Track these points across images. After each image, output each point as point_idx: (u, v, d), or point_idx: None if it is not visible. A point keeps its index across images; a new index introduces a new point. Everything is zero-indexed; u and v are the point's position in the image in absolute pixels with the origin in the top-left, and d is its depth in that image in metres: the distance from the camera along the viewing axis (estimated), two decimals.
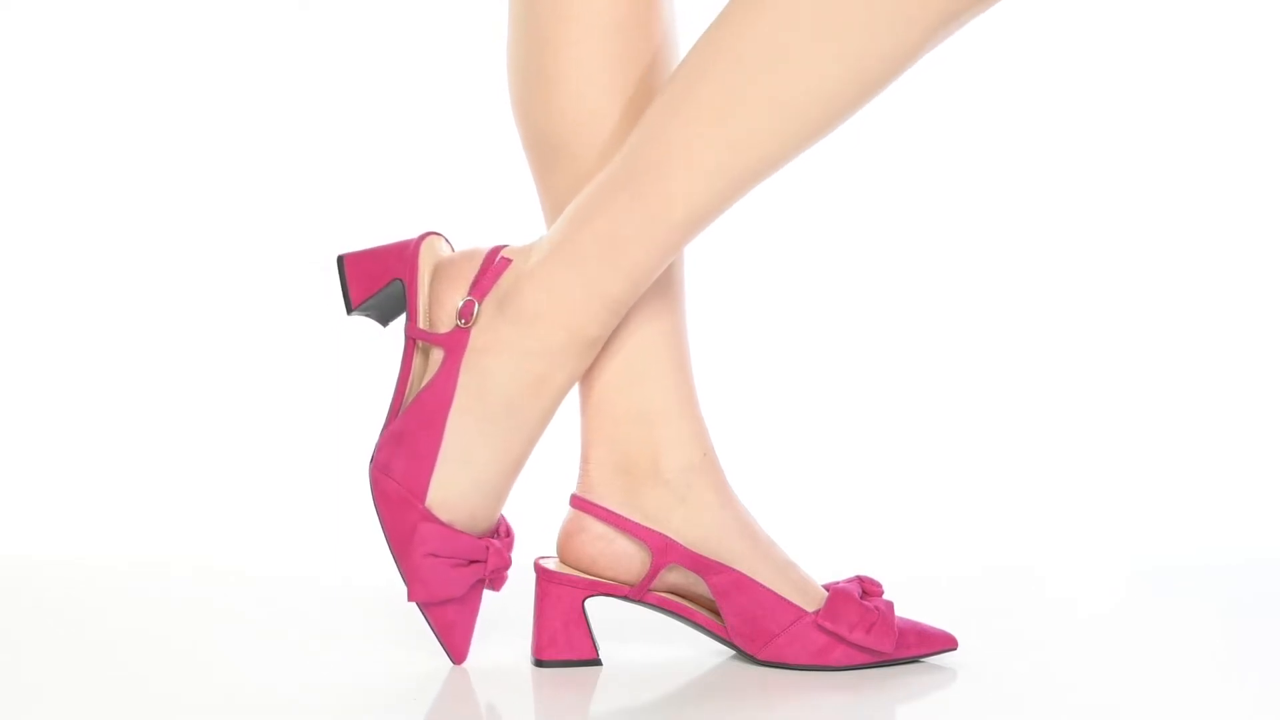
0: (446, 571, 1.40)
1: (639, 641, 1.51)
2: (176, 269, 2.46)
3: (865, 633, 1.41)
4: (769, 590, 1.42)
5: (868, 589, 1.45)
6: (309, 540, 1.95)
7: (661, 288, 1.46)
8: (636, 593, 1.43)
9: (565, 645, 1.43)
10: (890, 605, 1.43)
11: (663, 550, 1.42)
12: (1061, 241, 2.47)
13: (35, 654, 1.48)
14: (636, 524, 1.43)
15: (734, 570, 1.42)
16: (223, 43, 2.50)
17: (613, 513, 1.44)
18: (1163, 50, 2.50)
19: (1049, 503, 2.11)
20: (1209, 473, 2.23)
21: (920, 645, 1.44)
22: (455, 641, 1.42)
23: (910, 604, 1.52)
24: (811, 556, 1.51)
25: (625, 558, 1.44)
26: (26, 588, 1.73)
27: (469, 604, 1.43)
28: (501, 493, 1.43)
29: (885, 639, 1.41)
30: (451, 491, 1.40)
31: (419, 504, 1.39)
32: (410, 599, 1.39)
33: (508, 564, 1.44)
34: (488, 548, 1.41)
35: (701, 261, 1.65)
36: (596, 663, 1.44)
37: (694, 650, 1.49)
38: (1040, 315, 2.43)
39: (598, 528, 1.45)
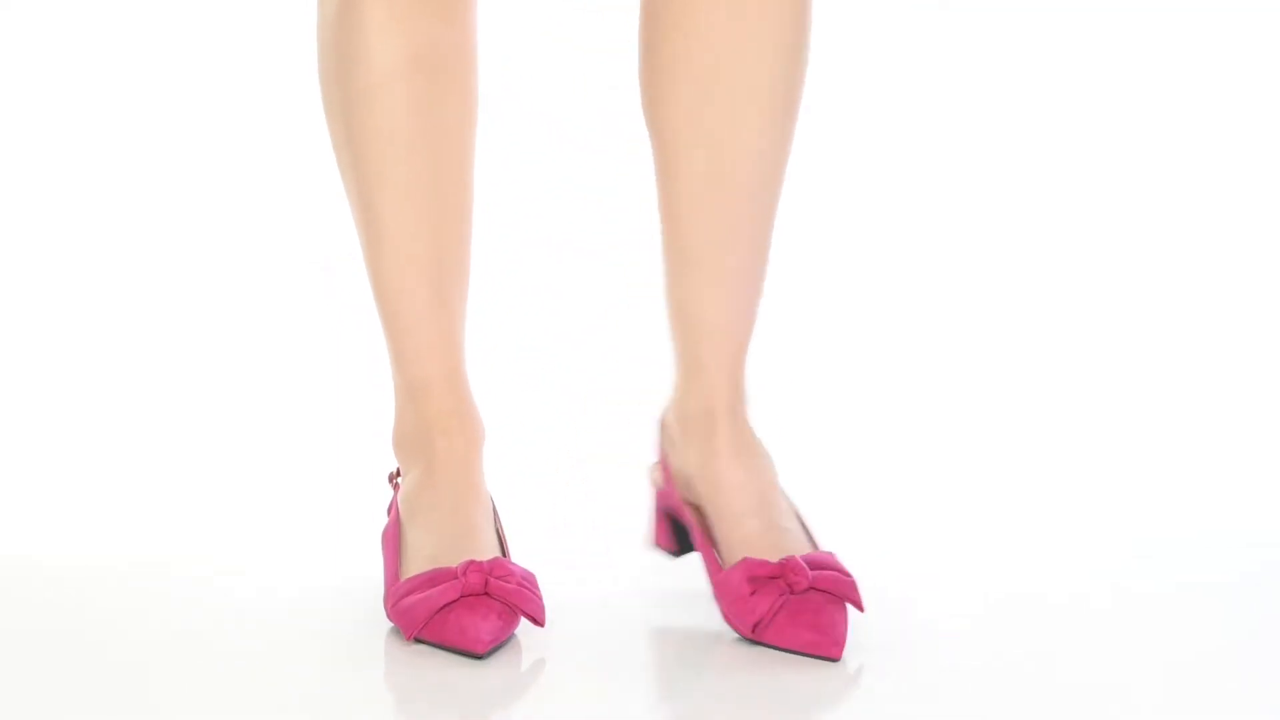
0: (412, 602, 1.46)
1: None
2: (176, 269, 2.46)
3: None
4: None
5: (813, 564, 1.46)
6: (309, 540, 1.95)
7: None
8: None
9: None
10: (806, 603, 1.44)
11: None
12: (1063, 240, 2.47)
13: (35, 654, 1.48)
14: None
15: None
16: (223, 43, 2.50)
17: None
18: (1163, 50, 2.50)
19: (1050, 501, 2.11)
20: (1214, 469, 2.23)
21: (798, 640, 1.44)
22: (467, 639, 1.43)
23: (910, 598, 1.52)
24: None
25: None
26: (26, 588, 1.73)
27: (463, 608, 1.44)
28: None
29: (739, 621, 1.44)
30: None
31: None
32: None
33: (490, 572, 1.46)
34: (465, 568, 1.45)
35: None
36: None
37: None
38: (1041, 314, 2.43)
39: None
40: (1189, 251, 2.49)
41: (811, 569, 1.45)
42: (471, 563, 1.46)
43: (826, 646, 1.42)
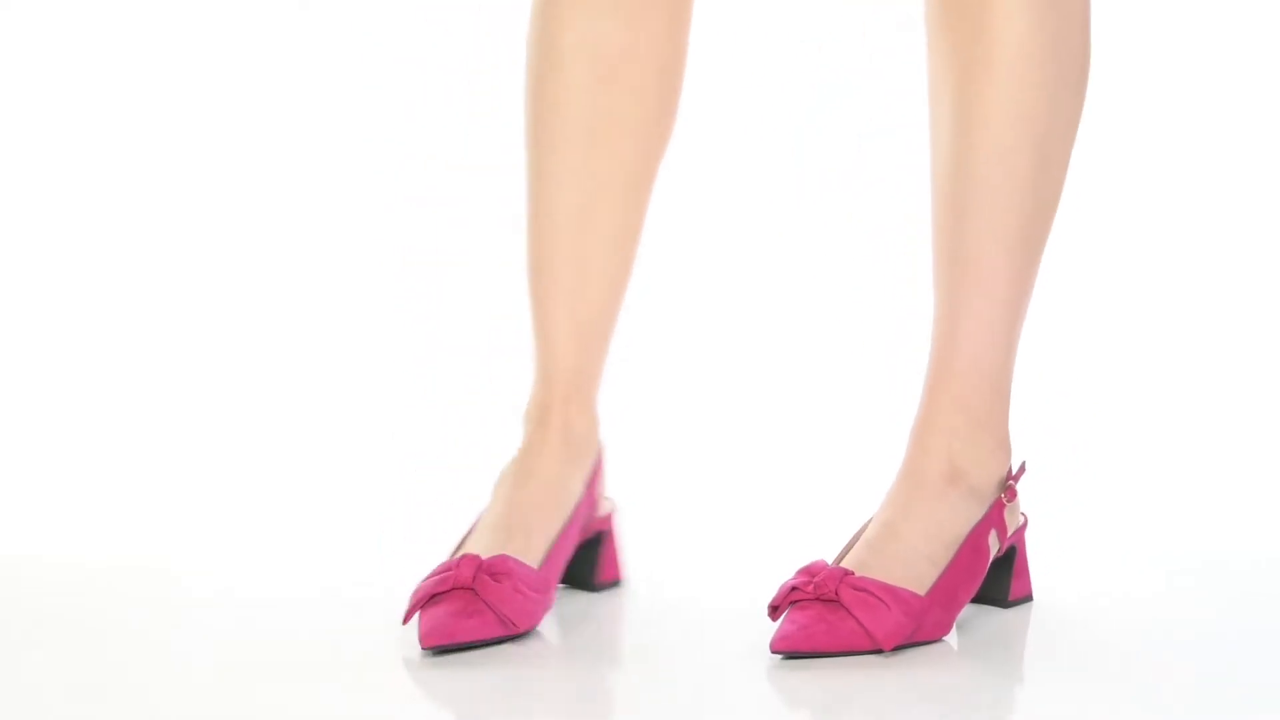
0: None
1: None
2: (176, 270, 2.46)
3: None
4: None
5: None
6: (309, 540, 1.95)
7: None
8: None
9: None
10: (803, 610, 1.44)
11: None
12: (1068, 242, 2.47)
13: (33, 654, 1.47)
14: None
15: None
16: (223, 43, 2.50)
17: None
18: (1163, 50, 2.50)
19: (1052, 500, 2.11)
20: (1223, 472, 2.23)
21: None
22: (421, 632, 1.44)
23: None
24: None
25: None
26: (26, 588, 1.73)
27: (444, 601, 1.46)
28: None
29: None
30: None
31: None
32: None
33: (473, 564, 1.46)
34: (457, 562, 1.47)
35: (709, 262, 1.65)
36: None
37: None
38: (1045, 315, 2.43)
39: None
40: (1189, 251, 2.49)
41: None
42: (465, 556, 1.46)
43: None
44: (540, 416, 1.60)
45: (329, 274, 2.51)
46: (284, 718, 1.31)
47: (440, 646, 1.42)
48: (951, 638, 1.50)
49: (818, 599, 1.44)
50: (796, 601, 1.45)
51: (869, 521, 1.53)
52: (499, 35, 2.52)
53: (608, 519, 1.62)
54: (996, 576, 1.58)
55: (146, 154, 2.49)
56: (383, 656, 1.47)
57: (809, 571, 1.46)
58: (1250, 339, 2.46)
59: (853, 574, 1.45)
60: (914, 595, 1.45)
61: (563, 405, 1.60)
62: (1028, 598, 1.61)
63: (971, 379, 1.53)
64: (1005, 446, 1.55)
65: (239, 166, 2.51)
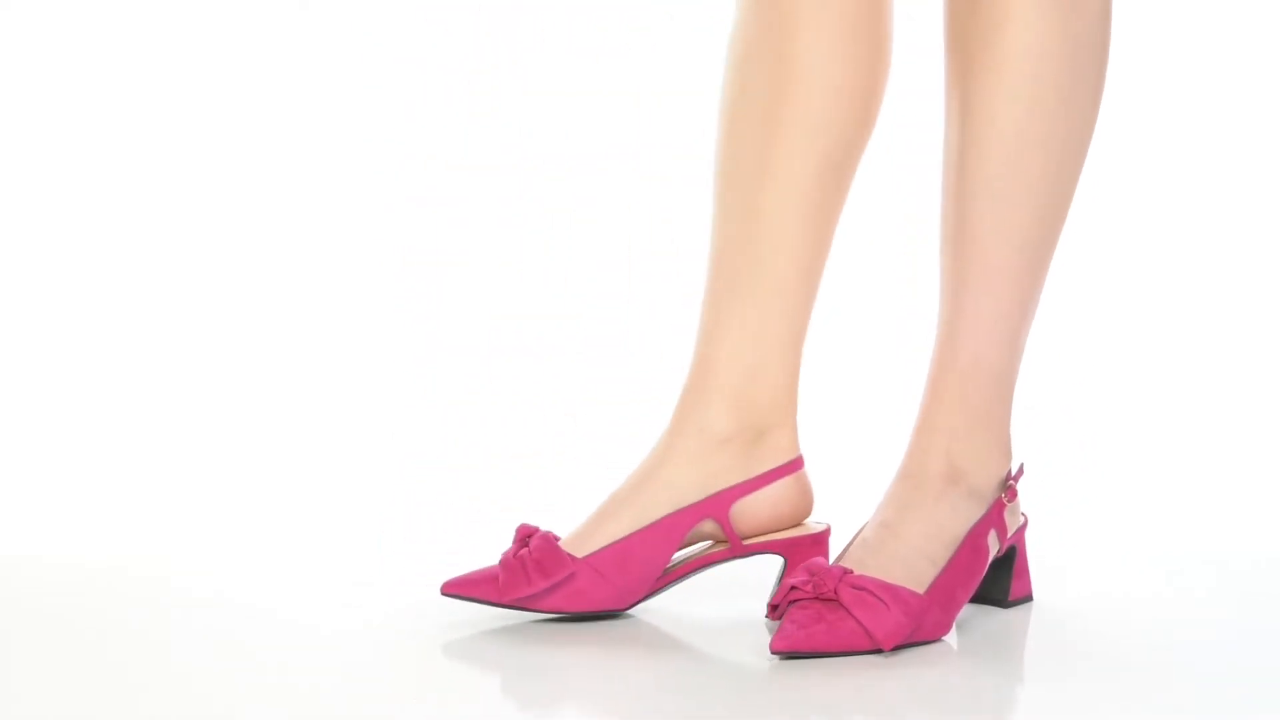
0: None
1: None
2: (176, 270, 2.46)
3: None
4: None
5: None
6: (309, 540, 1.95)
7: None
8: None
9: None
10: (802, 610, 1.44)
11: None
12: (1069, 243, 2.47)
13: (34, 654, 1.47)
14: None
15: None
16: (223, 43, 2.49)
17: None
18: (1164, 50, 2.50)
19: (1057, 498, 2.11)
20: (1228, 471, 2.23)
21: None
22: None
23: None
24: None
25: None
26: (26, 588, 1.73)
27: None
28: None
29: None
30: None
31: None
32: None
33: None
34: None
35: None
36: None
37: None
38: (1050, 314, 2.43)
39: None
40: (1188, 254, 2.49)
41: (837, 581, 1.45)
42: (523, 525, 1.55)
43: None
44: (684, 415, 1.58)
45: (329, 274, 2.51)
46: (283, 718, 1.31)
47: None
48: (951, 638, 1.50)
49: (817, 598, 1.44)
50: (796, 600, 1.45)
51: (868, 521, 1.53)
52: (499, 35, 2.52)
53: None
54: (996, 577, 1.58)
55: (147, 154, 2.49)
56: (383, 656, 1.47)
57: (808, 570, 1.46)
58: (1249, 339, 2.46)
59: (852, 573, 1.45)
60: (913, 594, 1.45)
61: (679, 416, 1.58)
62: (1028, 598, 1.61)
63: (974, 378, 1.53)
64: (1006, 448, 1.55)
65: (239, 167, 2.51)
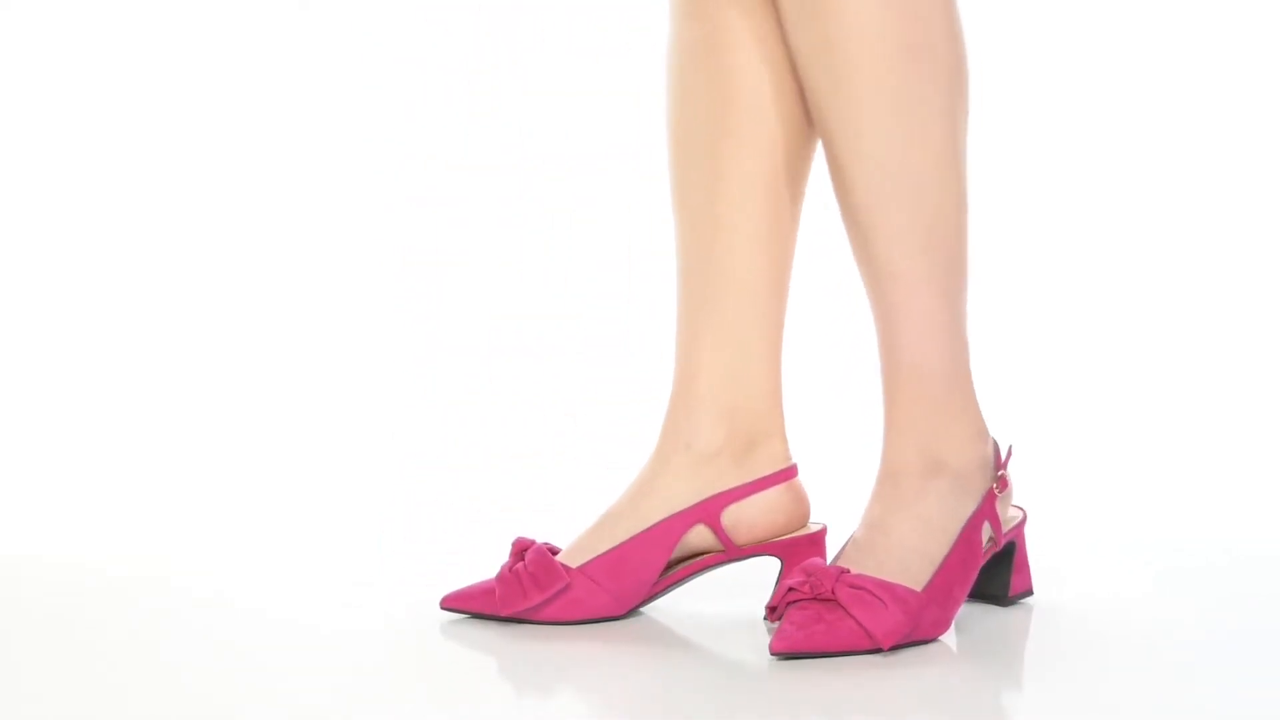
0: None
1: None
2: (176, 270, 2.46)
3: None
4: None
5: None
6: (309, 540, 1.95)
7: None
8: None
9: None
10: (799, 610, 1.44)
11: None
12: (1071, 243, 2.47)
13: (34, 654, 1.47)
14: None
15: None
16: (223, 43, 2.49)
17: None
18: (1163, 50, 2.50)
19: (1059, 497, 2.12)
20: (1229, 468, 2.23)
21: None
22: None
23: None
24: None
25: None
26: (26, 588, 1.73)
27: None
28: None
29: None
30: None
31: None
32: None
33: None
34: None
35: None
36: None
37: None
38: (1046, 316, 2.43)
39: None
40: (1185, 256, 2.49)
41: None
42: (519, 539, 1.55)
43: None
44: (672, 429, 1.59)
45: (329, 274, 2.51)
46: (283, 718, 1.31)
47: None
48: (950, 637, 1.50)
49: (815, 598, 1.44)
50: (794, 601, 1.45)
51: (859, 523, 1.53)
52: (499, 35, 2.52)
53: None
54: (996, 572, 1.58)
55: (147, 154, 2.49)
56: (383, 656, 1.47)
57: (805, 571, 1.46)
58: (1246, 336, 2.46)
59: (849, 572, 1.45)
60: (910, 592, 1.45)
61: (667, 431, 1.59)
62: (1028, 592, 1.61)
63: (920, 377, 1.52)
64: (979, 429, 1.54)
65: (239, 167, 2.51)
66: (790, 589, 1.45)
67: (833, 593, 1.44)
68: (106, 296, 2.45)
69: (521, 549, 1.55)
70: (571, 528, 1.59)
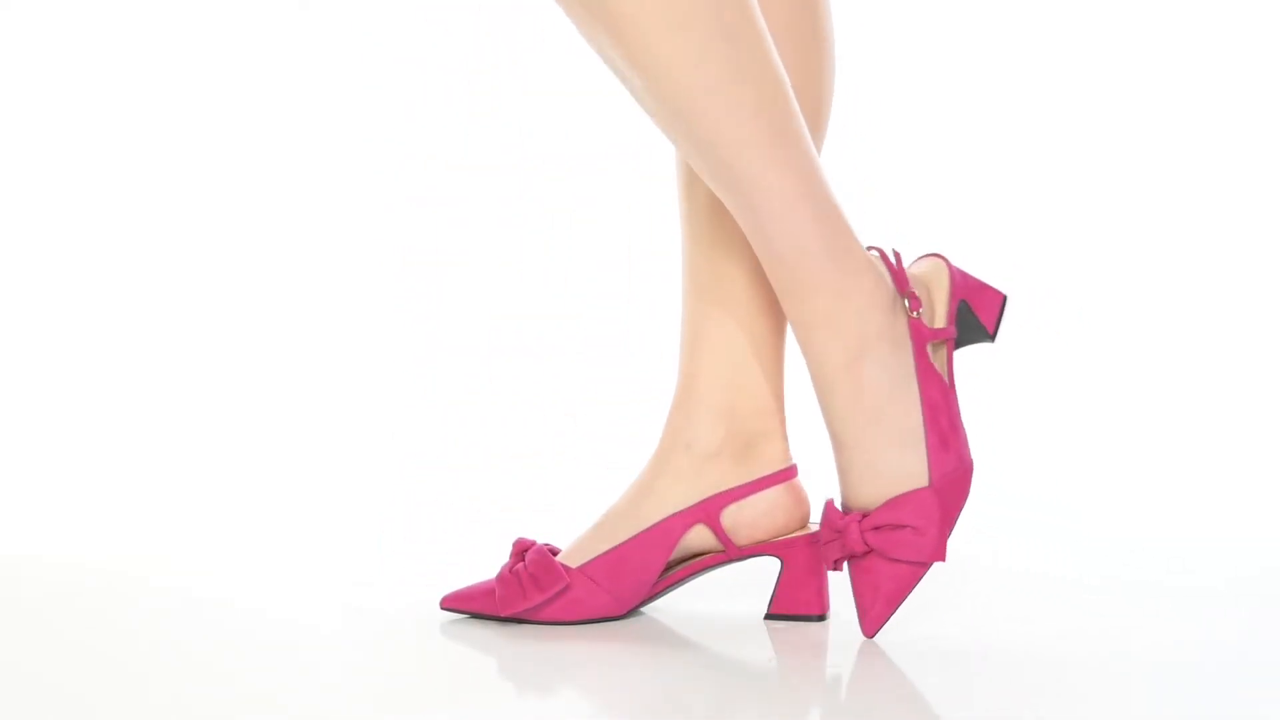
0: None
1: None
2: (176, 270, 2.46)
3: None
4: None
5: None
6: (309, 540, 1.95)
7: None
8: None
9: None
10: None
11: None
12: (1069, 243, 2.47)
13: (34, 654, 1.47)
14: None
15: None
16: (223, 43, 2.50)
17: None
18: (1163, 49, 2.50)
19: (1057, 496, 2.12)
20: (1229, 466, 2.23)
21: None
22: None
23: (915, 605, 1.52)
24: None
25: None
26: (26, 588, 1.73)
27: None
28: None
29: None
30: None
31: None
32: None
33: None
34: None
35: None
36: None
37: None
38: (1045, 315, 2.43)
39: None
40: (1182, 257, 2.49)
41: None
42: (519, 540, 1.55)
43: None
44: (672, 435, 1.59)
45: (330, 274, 2.52)
46: (283, 717, 1.31)
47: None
48: (949, 637, 1.50)
49: (851, 557, 1.46)
50: (839, 562, 1.47)
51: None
52: (499, 35, 2.52)
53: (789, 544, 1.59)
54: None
55: (147, 154, 2.50)
56: (383, 656, 1.47)
57: (831, 529, 1.46)
58: (1243, 336, 2.46)
59: (865, 516, 1.45)
60: (921, 496, 1.45)
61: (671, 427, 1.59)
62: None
63: (804, 254, 1.47)
64: (871, 272, 1.49)
65: (240, 167, 2.51)
66: (835, 561, 1.47)
67: (865, 543, 1.45)
68: (107, 296, 2.45)
69: (522, 549, 1.55)
70: (571, 528, 1.59)
